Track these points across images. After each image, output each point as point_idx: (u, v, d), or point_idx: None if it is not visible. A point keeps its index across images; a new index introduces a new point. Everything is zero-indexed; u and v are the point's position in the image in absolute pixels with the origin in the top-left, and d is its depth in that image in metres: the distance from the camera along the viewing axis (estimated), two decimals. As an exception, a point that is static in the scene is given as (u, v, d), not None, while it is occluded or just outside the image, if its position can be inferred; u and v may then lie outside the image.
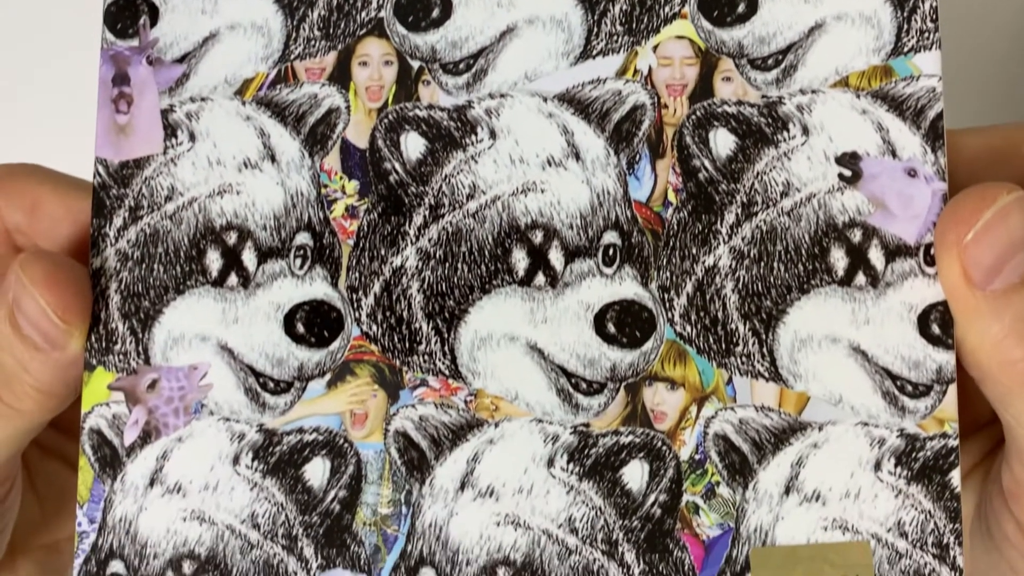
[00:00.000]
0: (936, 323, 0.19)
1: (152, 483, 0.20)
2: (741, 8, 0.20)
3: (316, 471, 0.19)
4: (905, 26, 0.20)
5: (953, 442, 0.19)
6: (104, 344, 0.20)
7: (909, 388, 0.19)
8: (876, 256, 0.19)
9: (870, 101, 0.19)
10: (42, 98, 0.32)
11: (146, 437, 0.20)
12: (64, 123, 0.30)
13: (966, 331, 0.19)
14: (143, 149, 0.20)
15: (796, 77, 0.20)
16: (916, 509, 0.19)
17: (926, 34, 0.19)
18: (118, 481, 0.20)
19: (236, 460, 0.19)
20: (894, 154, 0.19)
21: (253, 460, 0.19)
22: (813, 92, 0.20)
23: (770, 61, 0.20)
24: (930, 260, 0.19)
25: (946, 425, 0.19)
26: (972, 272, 0.18)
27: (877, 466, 0.19)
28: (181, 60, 0.20)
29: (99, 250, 0.20)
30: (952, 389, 0.19)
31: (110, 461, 0.20)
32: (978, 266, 0.18)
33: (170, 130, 0.20)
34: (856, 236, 0.19)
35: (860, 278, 0.19)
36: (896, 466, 0.19)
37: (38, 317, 0.19)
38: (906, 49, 0.20)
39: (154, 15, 0.20)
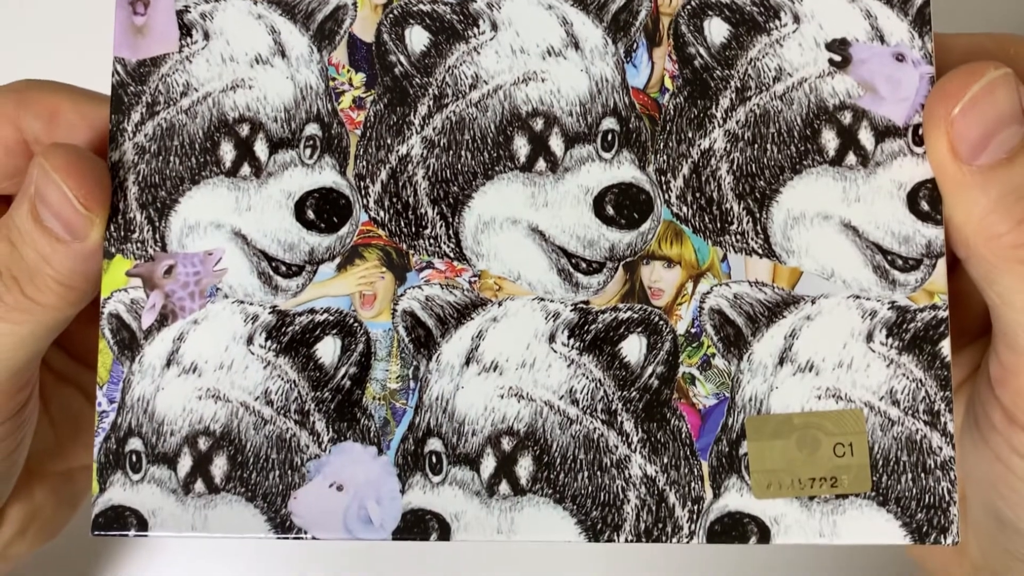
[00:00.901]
0: (925, 200, 0.19)
1: (169, 364, 0.20)
2: (733, -100, 0.20)
3: (327, 349, 0.20)
4: (893, -84, 0.20)
5: (943, 313, 0.19)
6: (122, 233, 0.21)
7: (899, 262, 0.20)
8: (866, 137, 0.20)
9: (860, -12, 0.20)
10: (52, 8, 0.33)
11: (163, 320, 0.20)
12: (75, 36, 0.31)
13: (953, 207, 0.19)
14: (159, 48, 0.21)
15: (787, -33, 0.20)
16: (907, 378, 0.19)
17: None
18: (136, 363, 0.20)
19: (250, 340, 0.20)
20: (882, 40, 0.20)
21: (266, 340, 0.20)
22: (805, -20, 0.20)
23: (763, -49, 0.20)
24: (918, 140, 0.20)
25: (936, 297, 0.19)
26: (959, 147, 0.19)
27: (869, 337, 0.19)
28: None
29: (117, 144, 0.21)
30: (941, 262, 0.19)
31: (128, 344, 0.21)
32: (965, 141, 0.19)
33: (185, 30, 0.21)
34: (846, 118, 0.20)
35: (851, 158, 0.20)
36: (888, 337, 0.19)
37: (61, 206, 0.20)
38: (894, -61, 0.20)
39: (168, -79, 0.21)
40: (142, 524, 0.20)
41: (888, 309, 0.19)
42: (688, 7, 0.20)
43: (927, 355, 0.19)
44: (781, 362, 0.20)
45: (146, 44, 0.21)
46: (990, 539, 0.23)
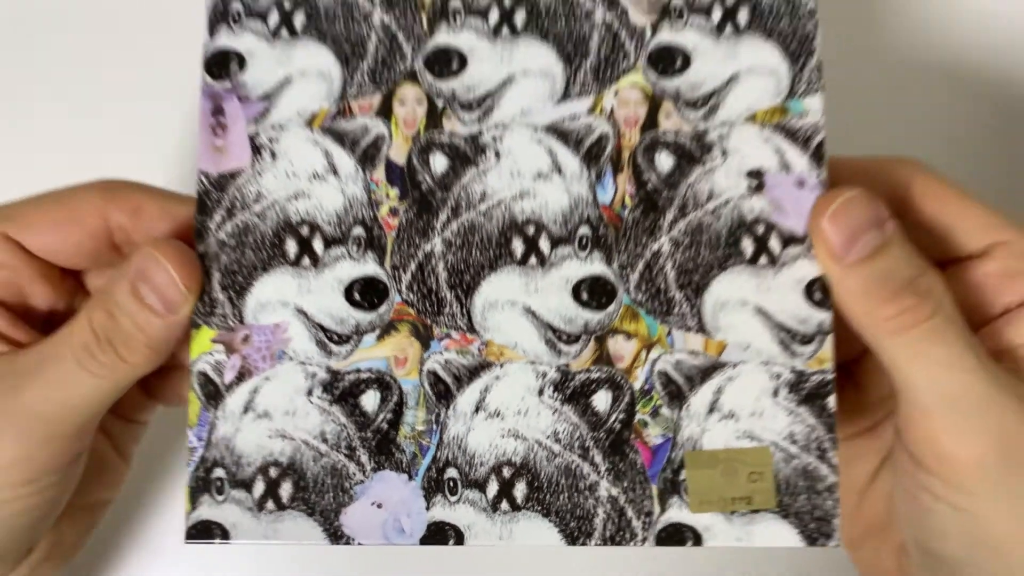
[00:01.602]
0: (817, 291, 0.26)
1: (246, 410, 0.27)
2: (678, 64, 0.27)
3: (370, 400, 0.26)
4: (798, 76, 0.27)
5: (830, 376, 0.26)
6: (208, 309, 0.27)
7: (798, 338, 0.26)
8: (775, 244, 0.27)
9: (772, 131, 0.27)
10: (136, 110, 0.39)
11: (241, 377, 0.27)
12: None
13: (838, 295, 0.26)
14: (235, 164, 0.27)
15: (718, 114, 0.27)
16: (803, 424, 0.26)
17: (813, 83, 0.27)
18: (219, 409, 0.27)
19: (310, 392, 0.26)
20: (788, 169, 0.27)
21: (323, 392, 0.26)
22: (730, 125, 0.27)
23: (699, 102, 0.27)
24: (810, 244, 0.27)
25: (825, 363, 0.26)
26: (832, 250, 0.25)
27: (775, 393, 0.26)
28: (264, 98, 0.27)
29: (203, 239, 0.27)
30: (829, 338, 0.26)
31: (213, 395, 0.27)
32: (836, 245, 0.25)
33: (256, 150, 0.27)
34: (760, 229, 0.27)
35: (763, 259, 0.27)
36: (789, 393, 0.26)
37: (165, 286, 0.26)
38: (798, 93, 0.27)
39: (242, 64, 0.27)
40: (225, 534, 0.26)
41: (789, 373, 0.26)
42: (643, 143, 0.27)
43: (818, 407, 0.26)
44: (710, 411, 0.26)
45: (224, 161, 0.27)
46: (920, 568, 0.28)
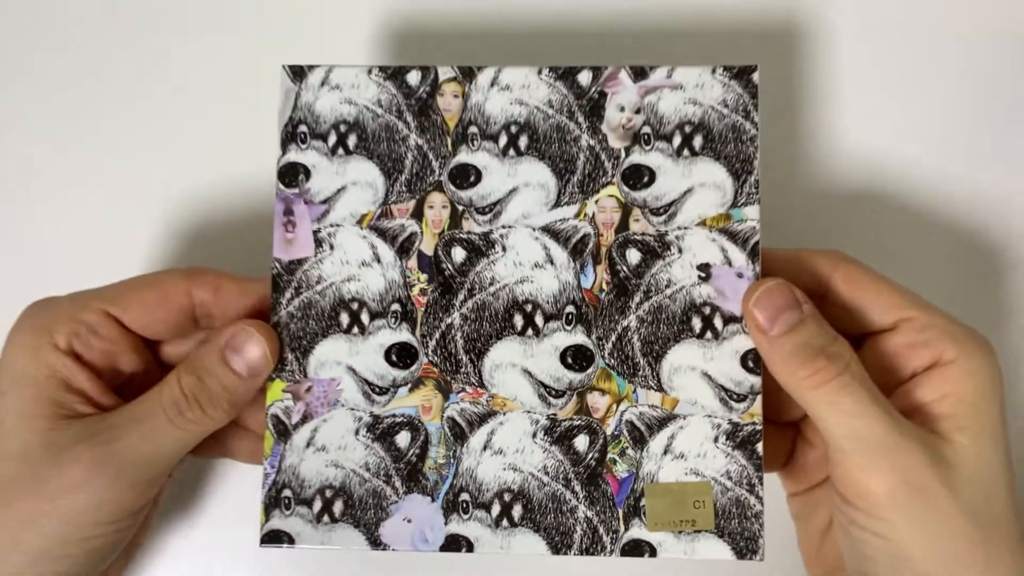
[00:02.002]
0: (750, 359, 0.34)
1: (308, 445, 0.34)
2: (645, 179, 0.35)
3: (403, 439, 0.34)
4: (740, 190, 0.35)
5: (759, 427, 0.34)
6: (279, 366, 0.35)
7: (735, 396, 0.34)
8: (718, 322, 0.34)
9: (718, 234, 0.34)
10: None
11: (304, 419, 0.35)
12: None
13: (767, 361, 0.33)
14: (301, 253, 0.35)
15: (676, 219, 0.35)
16: (737, 464, 0.34)
17: (752, 195, 0.34)
18: (287, 444, 0.35)
19: (357, 432, 0.34)
20: (730, 264, 0.34)
21: (367, 432, 0.34)
22: (685, 228, 0.35)
23: (661, 210, 0.35)
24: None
25: (755, 417, 0.34)
26: (760, 326, 0.33)
27: (716, 439, 0.34)
28: (324, 202, 0.35)
29: (276, 311, 0.35)
30: (759, 398, 0.34)
31: (282, 432, 0.35)
32: (762, 322, 0.33)
33: (318, 243, 0.35)
34: (707, 311, 0.34)
35: (709, 335, 0.34)
36: (727, 440, 0.34)
37: (256, 356, 0.33)
38: (740, 203, 0.35)
39: (308, 175, 0.35)
40: (291, 540, 0.34)
41: (727, 423, 0.34)
42: (617, 242, 0.35)
43: (749, 451, 0.34)
44: (665, 452, 0.34)
45: (293, 251, 0.35)
46: None
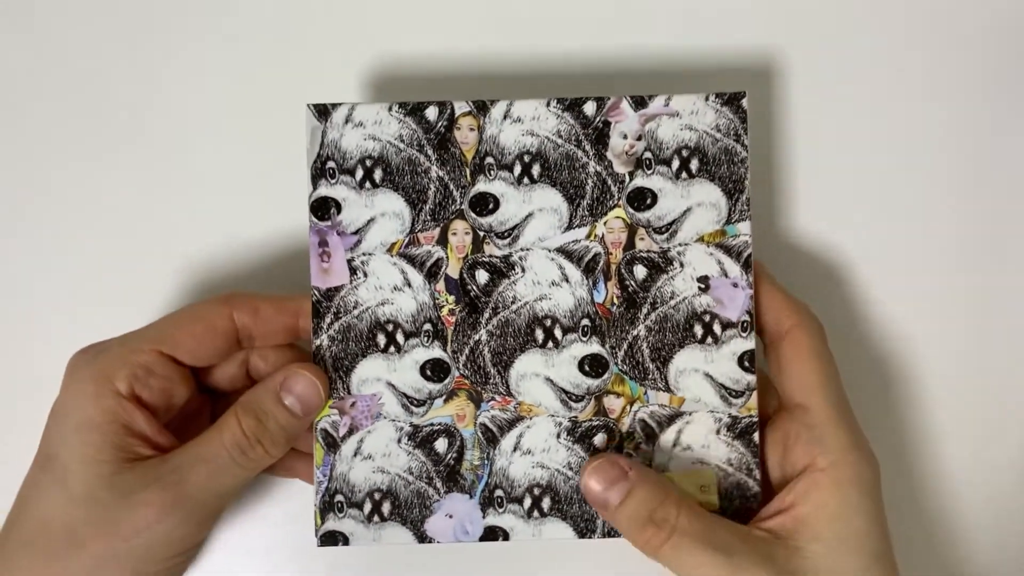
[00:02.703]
0: (746, 360, 0.38)
1: (356, 454, 0.38)
2: (648, 201, 0.38)
3: (441, 444, 0.38)
4: (733, 208, 0.38)
5: (755, 419, 0.38)
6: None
7: (734, 393, 0.38)
8: (717, 328, 0.38)
9: (714, 248, 0.38)
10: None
11: (351, 431, 0.38)
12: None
13: (618, 529, 0.37)
14: (338, 281, 0.39)
15: (677, 236, 0.38)
16: (737, 453, 0.38)
17: (744, 212, 0.38)
18: (337, 454, 0.38)
19: (399, 440, 0.38)
20: (726, 275, 0.38)
21: (408, 440, 0.38)
22: (686, 244, 0.38)
23: (663, 228, 0.38)
24: (744, 327, 0.38)
25: (752, 410, 0.38)
26: (598, 499, 0.36)
27: (718, 432, 0.38)
28: (356, 232, 0.38)
29: (318, 336, 0.38)
30: (755, 394, 0.38)
31: (332, 444, 0.38)
32: (599, 494, 0.36)
33: (352, 271, 0.38)
34: (707, 318, 0.38)
35: (709, 340, 0.38)
36: (727, 431, 0.38)
37: (310, 397, 0.36)
38: (733, 220, 0.38)
39: (339, 208, 0.38)
40: (345, 540, 0.38)
41: (728, 418, 0.38)
42: (625, 259, 0.38)
43: (747, 440, 0.38)
44: (674, 445, 0.38)
45: (330, 279, 0.39)
46: None
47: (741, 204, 0.38)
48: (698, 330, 0.38)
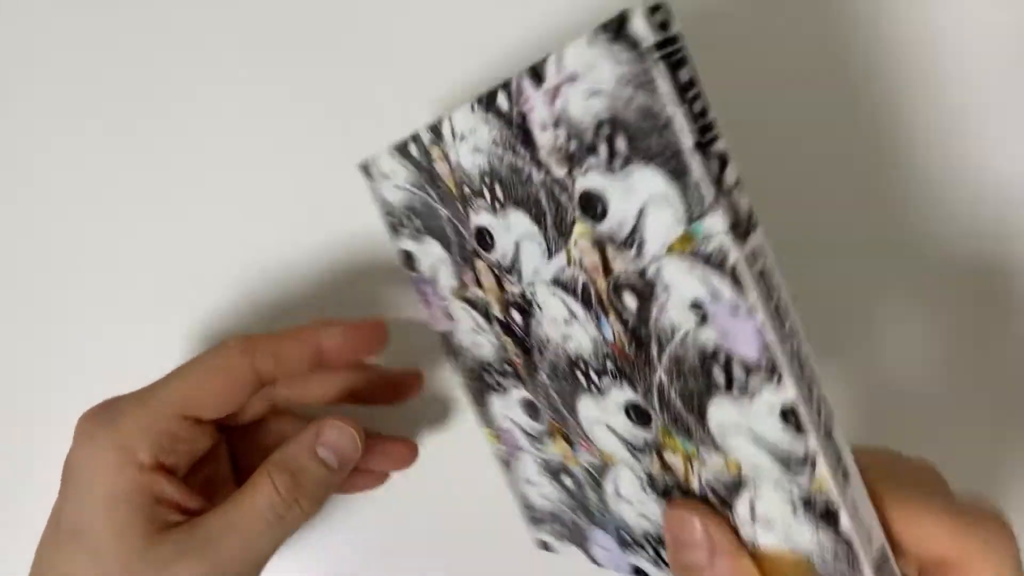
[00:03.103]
0: (791, 416, 0.24)
1: (524, 480, 0.39)
2: (599, 209, 0.26)
3: (567, 480, 0.36)
4: (686, 197, 0.23)
5: (835, 503, 0.24)
6: (481, 418, 0.39)
7: (793, 460, 0.25)
8: (739, 373, 0.25)
9: (691, 259, 0.24)
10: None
11: (508, 458, 0.39)
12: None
13: None
14: (442, 327, 0.38)
15: (646, 249, 0.26)
16: (829, 537, 0.25)
17: (706, 200, 0.23)
18: (510, 476, 0.39)
19: (541, 471, 0.37)
20: (719, 297, 0.24)
21: (545, 471, 0.37)
22: (658, 259, 0.25)
23: (627, 241, 0.26)
24: (770, 369, 0.24)
25: (825, 490, 0.24)
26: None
27: (794, 511, 0.26)
28: (433, 280, 0.37)
29: (456, 372, 0.39)
30: (822, 465, 0.24)
31: (506, 464, 0.39)
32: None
33: (448, 316, 0.37)
34: (722, 359, 0.25)
35: (735, 389, 0.25)
36: (806, 510, 0.25)
37: (346, 448, 0.34)
38: (694, 216, 0.24)
39: (413, 258, 0.37)
40: (553, 549, 0.40)
41: (800, 489, 0.25)
42: (610, 287, 0.27)
43: (834, 527, 0.25)
44: (753, 520, 0.27)
45: (438, 324, 0.38)
46: None
47: (696, 190, 0.23)
48: (718, 376, 0.26)
